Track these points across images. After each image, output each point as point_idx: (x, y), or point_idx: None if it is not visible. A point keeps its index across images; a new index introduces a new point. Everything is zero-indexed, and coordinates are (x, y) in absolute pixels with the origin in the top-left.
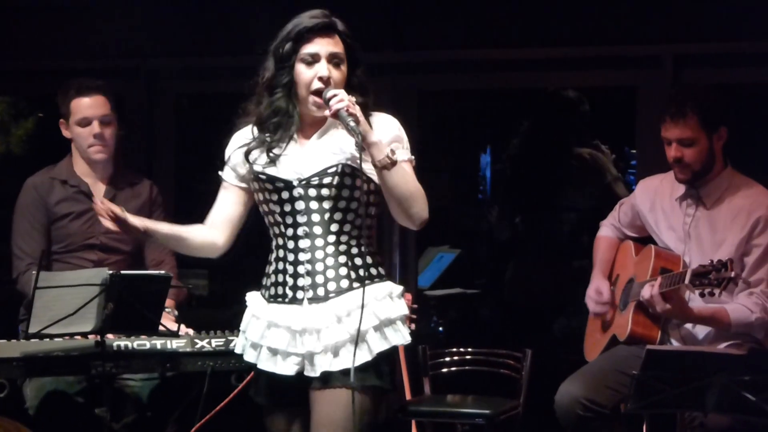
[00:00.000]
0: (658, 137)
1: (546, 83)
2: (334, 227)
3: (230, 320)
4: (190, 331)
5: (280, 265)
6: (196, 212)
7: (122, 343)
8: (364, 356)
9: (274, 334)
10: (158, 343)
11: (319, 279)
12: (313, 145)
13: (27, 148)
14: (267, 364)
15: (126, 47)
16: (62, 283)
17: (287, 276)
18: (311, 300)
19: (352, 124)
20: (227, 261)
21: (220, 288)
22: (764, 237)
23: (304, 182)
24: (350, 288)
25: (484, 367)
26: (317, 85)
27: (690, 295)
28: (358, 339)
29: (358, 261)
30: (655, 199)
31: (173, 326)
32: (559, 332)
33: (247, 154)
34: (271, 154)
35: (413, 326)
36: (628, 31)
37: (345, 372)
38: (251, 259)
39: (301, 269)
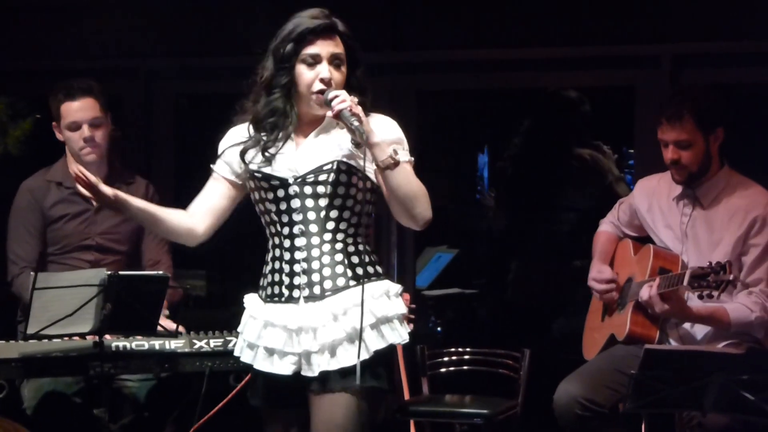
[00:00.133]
0: (656, 137)
1: (544, 83)
2: (330, 225)
3: (228, 321)
4: (182, 329)
5: (277, 265)
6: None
7: (120, 344)
8: (361, 355)
9: (271, 334)
10: (156, 343)
11: (315, 277)
12: (310, 144)
13: (25, 148)
14: (264, 364)
15: (125, 47)
16: (60, 283)
17: (283, 275)
18: (307, 298)
19: (356, 123)
20: (225, 262)
21: (218, 289)
22: (762, 236)
23: (299, 180)
24: (347, 286)
25: (482, 367)
26: (319, 86)
27: (689, 294)
28: (361, 339)
29: (354, 259)
30: (653, 199)
31: (168, 325)
32: (557, 332)
33: (243, 153)
34: (267, 154)
35: (411, 326)
36: (627, 30)
37: (343, 373)
38: (249, 259)
39: (297, 268)
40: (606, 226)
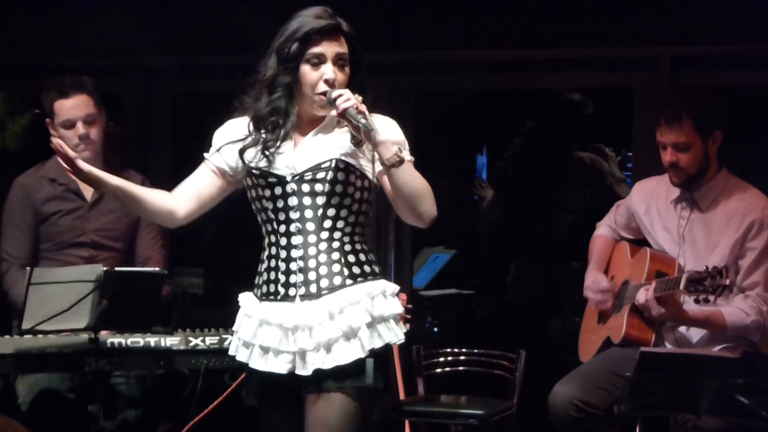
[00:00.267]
0: (654, 140)
1: (543, 84)
2: (327, 223)
3: (225, 318)
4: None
5: (272, 263)
6: None
7: (116, 340)
8: (356, 353)
9: (266, 332)
10: (152, 340)
11: (312, 276)
12: (308, 142)
13: (23, 144)
14: (259, 362)
15: (123, 45)
16: (56, 279)
17: (279, 273)
18: (303, 297)
19: (363, 121)
20: (223, 259)
21: (215, 286)
22: (759, 240)
23: (297, 177)
24: (343, 285)
25: (478, 367)
26: (323, 87)
27: (685, 297)
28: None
29: (351, 258)
30: (651, 202)
31: None
32: (554, 333)
33: (242, 152)
34: (266, 153)
35: (407, 326)
36: (625, 32)
37: (338, 372)
38: (246, 257)
39: (293, 266)
40: (602, 230)
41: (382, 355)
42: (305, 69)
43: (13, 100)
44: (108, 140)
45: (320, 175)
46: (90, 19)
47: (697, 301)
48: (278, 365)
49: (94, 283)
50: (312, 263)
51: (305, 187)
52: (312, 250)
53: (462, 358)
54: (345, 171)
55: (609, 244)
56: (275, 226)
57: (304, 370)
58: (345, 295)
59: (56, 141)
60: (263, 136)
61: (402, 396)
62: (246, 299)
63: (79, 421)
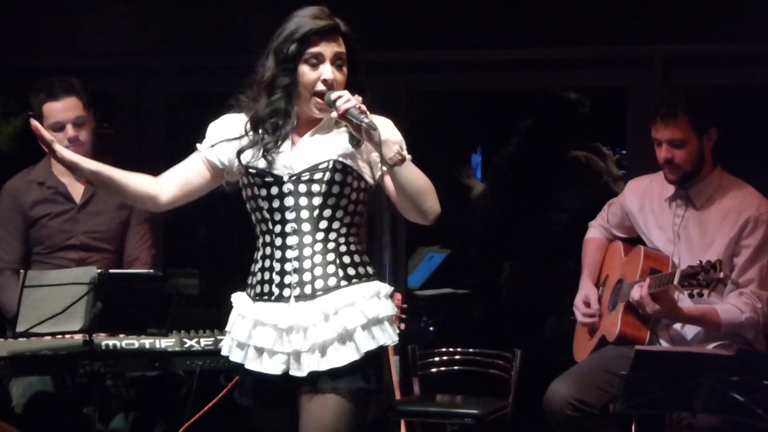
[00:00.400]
0: (648, 138)
1: (537, 84)
2: (323, 224)
3: (220, 319)
4: None
5: (267, 263)
6: (188, 211)
7: (111, 343)
8: (351, 355)
9: (261, 333)
10: (147, 342)
11: (307, 277)
12: (306, 143)
13: (16, 146)
14: (254, 363)
15: (117, 46)
16: (50, 281)
17: (274, 273)
18: (298, 298)
19: (366, 120)
20: (218, 261)
21: (210, 287)
22: (753, 237)
23: (294, 177)
24: (338, 286)
25: (473, 367)
26: (320, 87)
27: (679, 295)
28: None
29: (346, 259)
30: (645, 200)
31: None
32: (549, 332)
33: (239, 153)
34: (266, 155)
35: (402, 326)
36: (619, 32)
37: (332, 373)
38: (241, 258)
39: (288, 266)
40: (595, 231)
41: (376, 356)
42: (303, 69)
43: (7, 101)
44: (102, 141)
45: (317, 175)
46: (85, 19)
47: (691, 296)
48: (273, 366)
49: (88, 285)
50: (307, 264)
51: (302, 188)
52: (307, 251)
53: (457, 357)
54: (342, 172)
55: (601, 247)
56: (270, 226)
57: (299, 371)
58: (340, 297)
59: (34, 123)
60: (262, 137)
61: (398, 396)
62: (239, 299)
63: (74, 423)
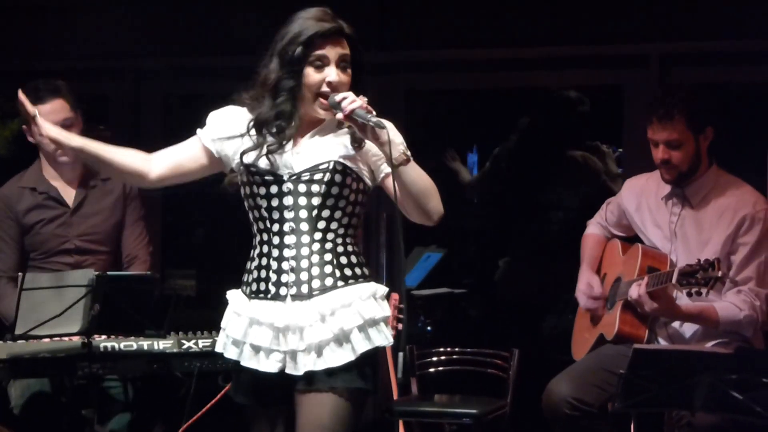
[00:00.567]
0: (644, 137)
1: (532, 83)
2: (321, 224)
3: (218, 320)
4: None
5: (264, 261)
6: (185, 212)
7: (109, 344)
8: (347, 356)
9: (257, 332)
10: (145, 343)
11: (304, 276)
12: (307, 143)
13: (14, 149)
14: (250, 361)
15: (114, 48)
16: (48, 284)
17: (270, 272)
18: (294, 297)
19: (374, 119)
20: (216, 261)
21: (208, 288)
22: (750, 235)
23: (294, 177)
24: (334, 286)
25: (471, 366)
26: (324, 89)
27: (677, 293)
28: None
29: (343, 260)
30: (641, 199)
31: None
32: (547, 331)
33: (242, 155)
34: (270, 157)
35: (400, 326)
36: (615, 30)
37: (329, 373)
38: (239, 259)
39: (285, 265)
40: (593, 228)
41: (371, 357)
42: (308, 71)
43: (2, 105)
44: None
45: (317, 176)
46: (82, 22)
47: (689, 295)
48: (269, 365)
49: (86, 287)
50: (304, 263)
51: (302, 187)
52: (305, 251)
53: (455, 357)
54: (342, 173)
55: (600, 242)
56: (268, 225)
57: (295, 371)
58: (336, 297)
59: (21, 95)
60: (267, 139)
61: (396, 396)
62: (234, 297)
63: (72, 425)
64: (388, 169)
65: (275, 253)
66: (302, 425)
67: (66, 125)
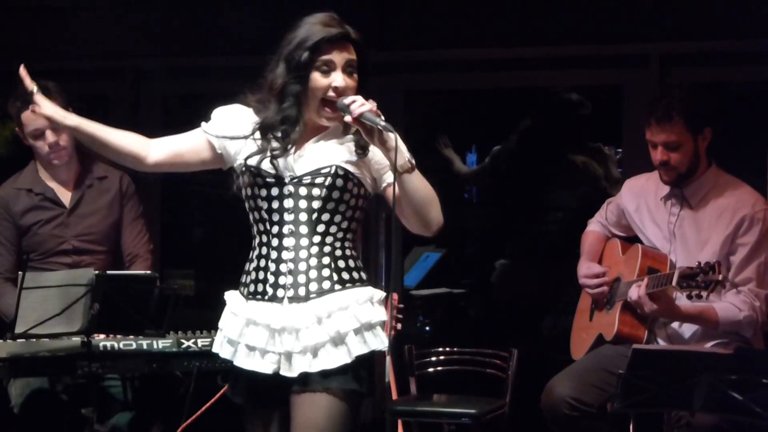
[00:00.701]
0: (644, 137)
1: (532, 83)
2: (320, 228)
3: (217, 320)
4: None
5: (262, 262)
6: (184, 212)
7: (108, 344)
8: (343, 358)
9: (253, 332)
10: (144, 343)
11: (301, 279)
12: (311, 147)
13: (13, 149)
14: (244, 361)
15: (113, 48)
16: (48, 283)
17: (268, 273)
18: (291, 299)
19: (382, 123)
20: (215, 261)
21: (207, 288)
22: (750, 235)
23: (296, 180)
24: (332, 290)
25: (470, 366)
26: (331, 94)
27: (677, 294)
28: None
29: (341, 264)
30: (640, 199)
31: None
32: (546, 331)
33: (247, 158)
34: (274, 162)
35: (400, 326)
36: (615, 30)
37: (324, 374)
38: (238, 259)
39: (283, 267)
40: (594, 226)
41: (367, 360)
42: (315, 76)
43: (2, 105)
44: (78, 141)
45: (319, 179)
46: (80, 22)
47: (689, 297)
48: (264, 365)
49: (85, 286)
50: (302, 266)
51: (302, 191)
52: (303, 253)
53: (454, 357)
54: (344, 178)
55: (600, 239)
56: (268, 227)
57: (290, 372)
58: (333, 300)
59: (22, 70)
60: (271, 143)
61: (394, 396)
62: (232, 297)
63: (72, 424)
64: (391, 179)
65: (274, 254)
66: (297, 426)
67: (56, 128)
